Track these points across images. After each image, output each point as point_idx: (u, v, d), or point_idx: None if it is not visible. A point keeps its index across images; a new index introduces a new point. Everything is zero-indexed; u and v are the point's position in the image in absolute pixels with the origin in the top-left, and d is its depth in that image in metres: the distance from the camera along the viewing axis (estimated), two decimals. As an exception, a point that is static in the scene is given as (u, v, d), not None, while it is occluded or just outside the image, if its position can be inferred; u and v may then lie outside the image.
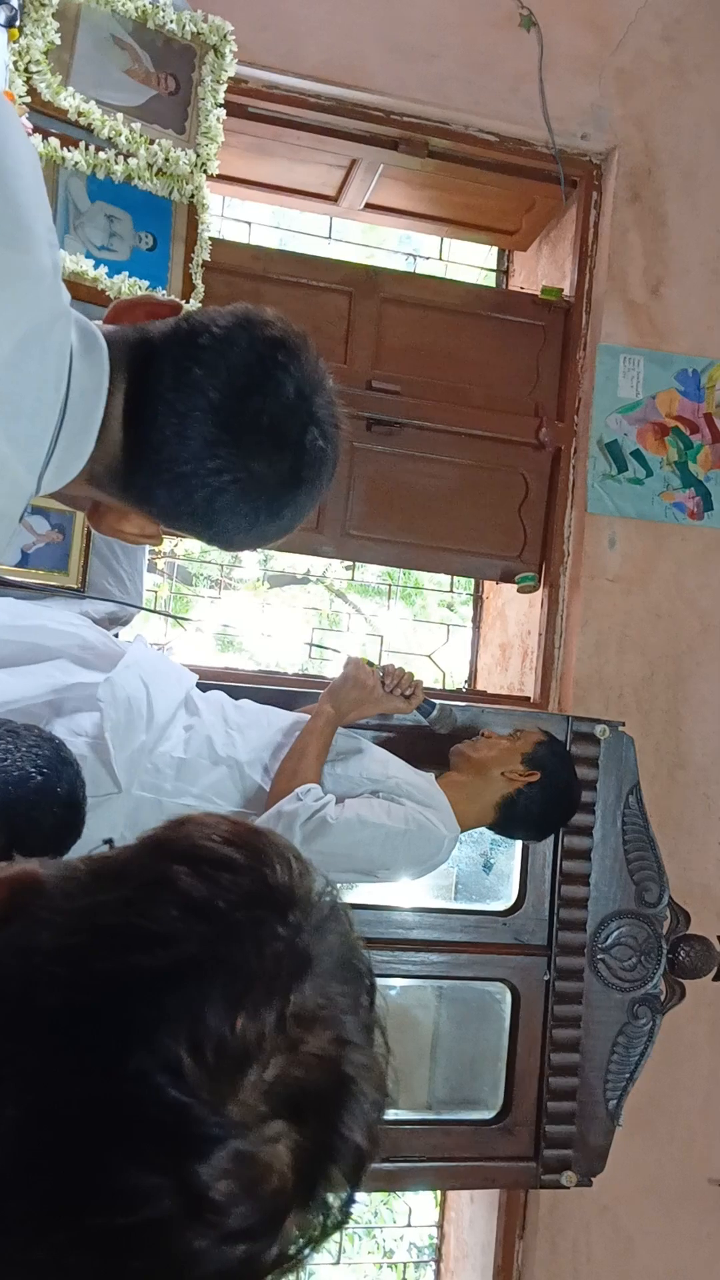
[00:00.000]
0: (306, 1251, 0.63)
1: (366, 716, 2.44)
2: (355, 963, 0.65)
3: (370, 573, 4.78)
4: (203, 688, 2.39)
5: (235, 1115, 0.57)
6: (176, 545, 4.39)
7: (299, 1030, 0.60)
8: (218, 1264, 0.58)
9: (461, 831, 2.35)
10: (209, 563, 5.05)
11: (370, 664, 2.50)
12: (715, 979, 3.00)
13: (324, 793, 2.20)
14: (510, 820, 2.42)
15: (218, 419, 0.95)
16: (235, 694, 2.45)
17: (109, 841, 0.70)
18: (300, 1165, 0.59)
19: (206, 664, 3.83)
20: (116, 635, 2.51)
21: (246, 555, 4.95)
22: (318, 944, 0.63)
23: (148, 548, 2.93)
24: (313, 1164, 0.60)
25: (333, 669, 4.23)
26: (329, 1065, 0.61)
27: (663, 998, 2.91)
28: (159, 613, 3.93)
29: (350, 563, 4.70)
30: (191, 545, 4.45)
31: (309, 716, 2.38)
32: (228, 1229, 0.57)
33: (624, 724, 2.95)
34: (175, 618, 4.07)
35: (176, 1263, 0.57)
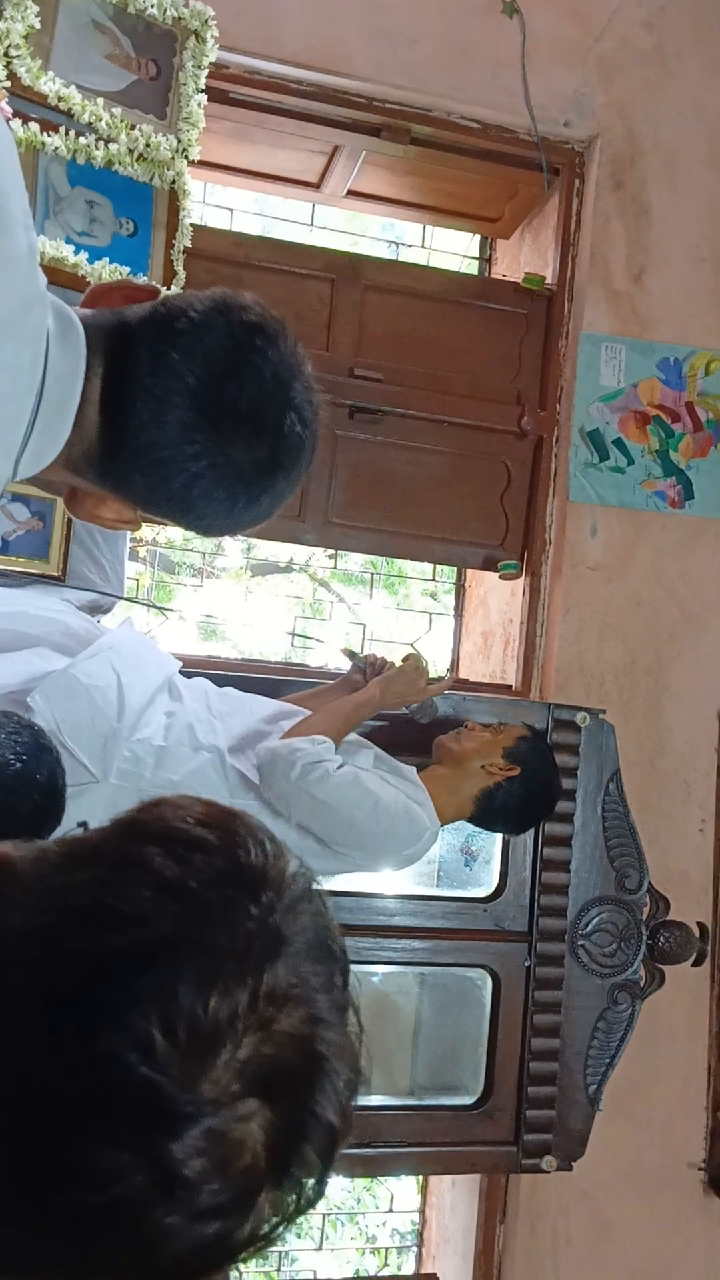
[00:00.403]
0: (280, 1229, 0.64)
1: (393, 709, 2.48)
2: (329, 943, 0.66)
3: (353, 561, 4.78)
4: (186, 676, 2.38)
5: (208, 1094, 0.57)
6: (159, 533, 4.38)
7: (271, 1009, 0.60)
8: (190, 1241, 0.58)
9: (441, 825, 2.36)
10: (191, 551, 5.04)
11: (353, 653, 2.50)
12: (694, 965, 3.02)
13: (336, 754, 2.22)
14: (489, 813, 2.42)
15: (195, 404, 0.95)
16: (218, 682, 2.45)
17: (83, 824, 0.70)
18: (272, 1143, 0.60)
19: (189, 652, 3.82)
20: (99, 622, 2.50)
21: (229, 544, 4.95)
22: (291, 924, 0.63)
23: (129, 535, 2.93)
24: (285, 1142, 0.61)
25: (316, 657, 4.23)
26: (301, 1044, 0.61)
27: (642, 983, 2.93)
28: (140, 602, 3.92)
29: (333, 551, 4.70)
30: (174, 533, 4.44)
31: (292, 706, 2.38)
32: (200, 1206, 0.57)
33: (605, 711, 2.96)
34: (157, 607, 4.07)
35: (148, 1240, 0.58)
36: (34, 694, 2.08)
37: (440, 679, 2.48)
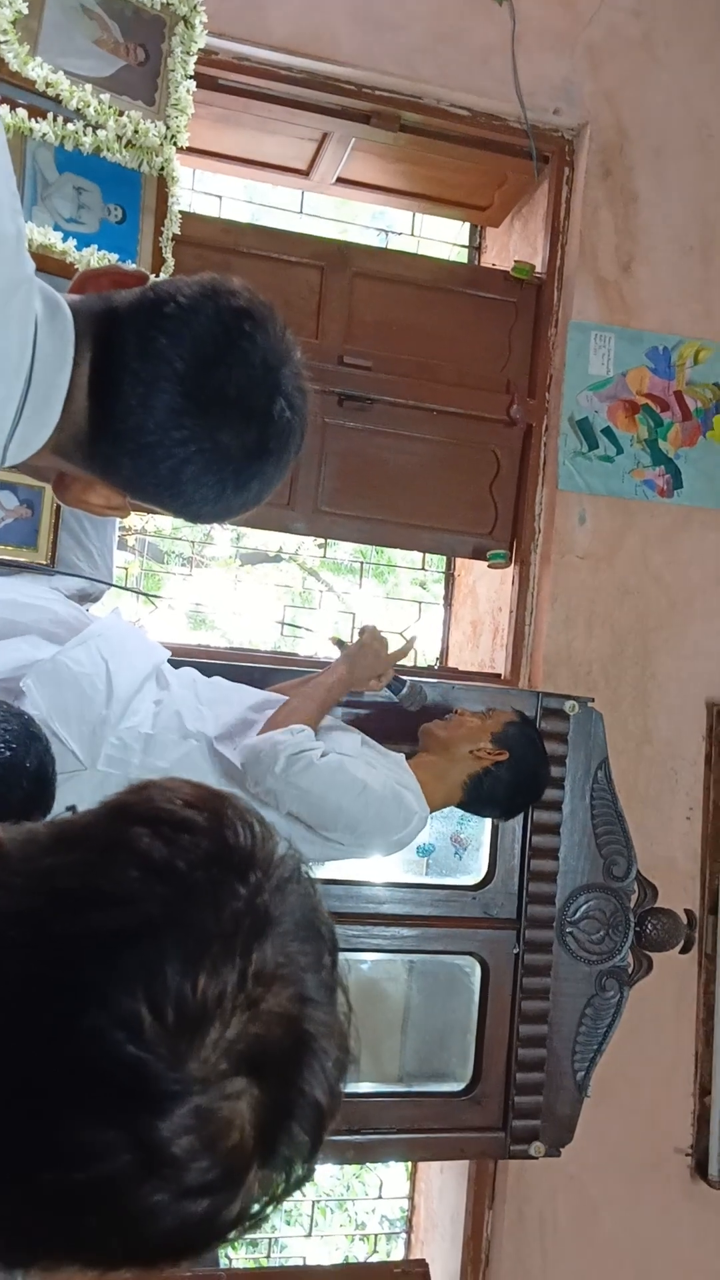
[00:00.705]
0: (269, 1208, 0.64)
1: (368, 688, 2.46)
2: (316, 923, 0.66)
3: (343, 550, 4.78)
4: (175, 665, 2.38)
5: (195, 1072, 0.57)
6: (148, 522, 4.37)
7: (259, 989, 0.60)
8: (178, 1219, 0.58)
9: (431, 811, 2.36)
10: (180, 540, 5.03)
11: (340, 641, 2.50)
12: (682, 951, 3.03)
13: (316, 740, 2.22)
14: (477, 799, 2.42)
15: (183, 389, 0.95)
16: (207, 672, 2.45)
17: (71, 808, 0.70)
18: (261, 1122, 0.60)
19: (179, 641, 3.82)
20: (88, 610, 2.50)
21: (218, 532, 4.94)
22: (278, 904, 0.64)
23: (118, 523, 2.92)
24: (273, 1121, 0.61)
25: (306, 646, 4.24)
26: (289, 1023, 0.62)
27: (630, 970, 2.94)
28: (129, 589, 3.92)
29: (323, 540, 4.69)
30: (163, 522, 4.44)
31: (280, 696, 2.38)
32: (187, 1184, 0.58)
33: (593, 700, 2.97)
34: (145, 595, 4.06)
35: (135, 1218, 0.58)
36: (25, 678, 2.08)
37: (401, 648, 2.45)
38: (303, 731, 2.20)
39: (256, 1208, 0.63)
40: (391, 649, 2.42)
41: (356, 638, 2.45)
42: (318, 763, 2.16)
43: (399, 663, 2.47)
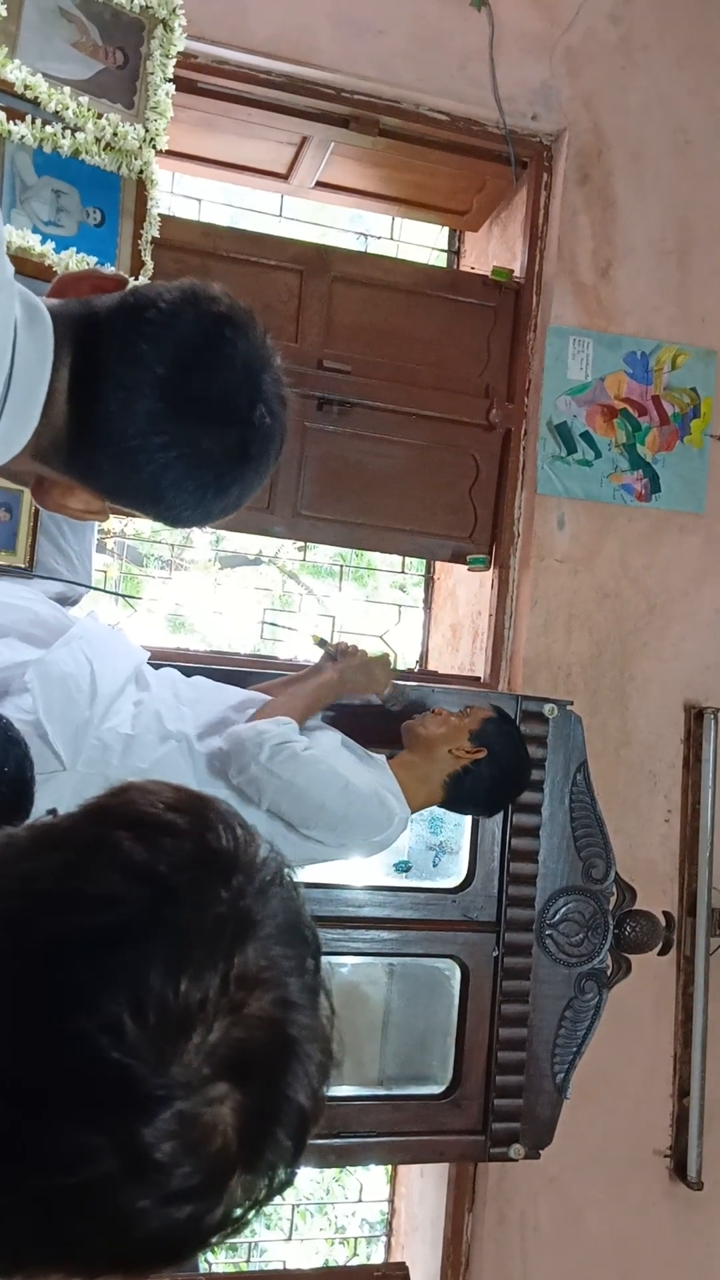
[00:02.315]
0: (252, 1213, 0.64)
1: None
2: (300, 926, 0.66)
3: (322, 554, 4.78)
4: (155, 667, 2.38)
5: (179, 1077, 0.57)
6: (126, 525, 4.36)
7: (242, 992, 0.60)
8: (162, 1224, 0.58)
9: (412, 812, 2.37)
10: (160, 543, 5.02)
11: (322, 641, 2.50)
12: (660, 953, 3.05)
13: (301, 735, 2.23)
14: (458, 796, 2.43)
15: (164, 394, 0.95)
16: (188, 674, 2.44)
17: (52, 811, 0.70)
18: (244, 1126, 0.60)
19: (158, 645, 3.81)
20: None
21: (198, 536, 4.93)
22: (261, 907, 0.63)
23: (96, 526, 2.91)
24: (257, 1125, 0.61)
25: (286, 649, 4.23)
26: (273, 1027, 0.62)
27: (609, 972, 2.95)
28: (108, 592, 3.91)
29: (302, 544, 4.69)
30: (142, 525, 4.43)
31: (262, 695, 2.38)
32: (171, 1189, 0.58)
33: (572, 703, 2.98)
34: (124, 596, 4.05)
35: (119, 1222, 0.58)
36: (29, 675, 2.08)
37: (329, 650, 2.45)
38: (288, 724, 2.21)
39: (239, 1212, 0.63)
40: (376, 663, 2.44)
41: (369, 653, 2.46)
42: (301, 755, 2.16)
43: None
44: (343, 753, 2.36)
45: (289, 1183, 0.65)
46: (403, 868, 2.92)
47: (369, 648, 2.49)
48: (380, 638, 2.53)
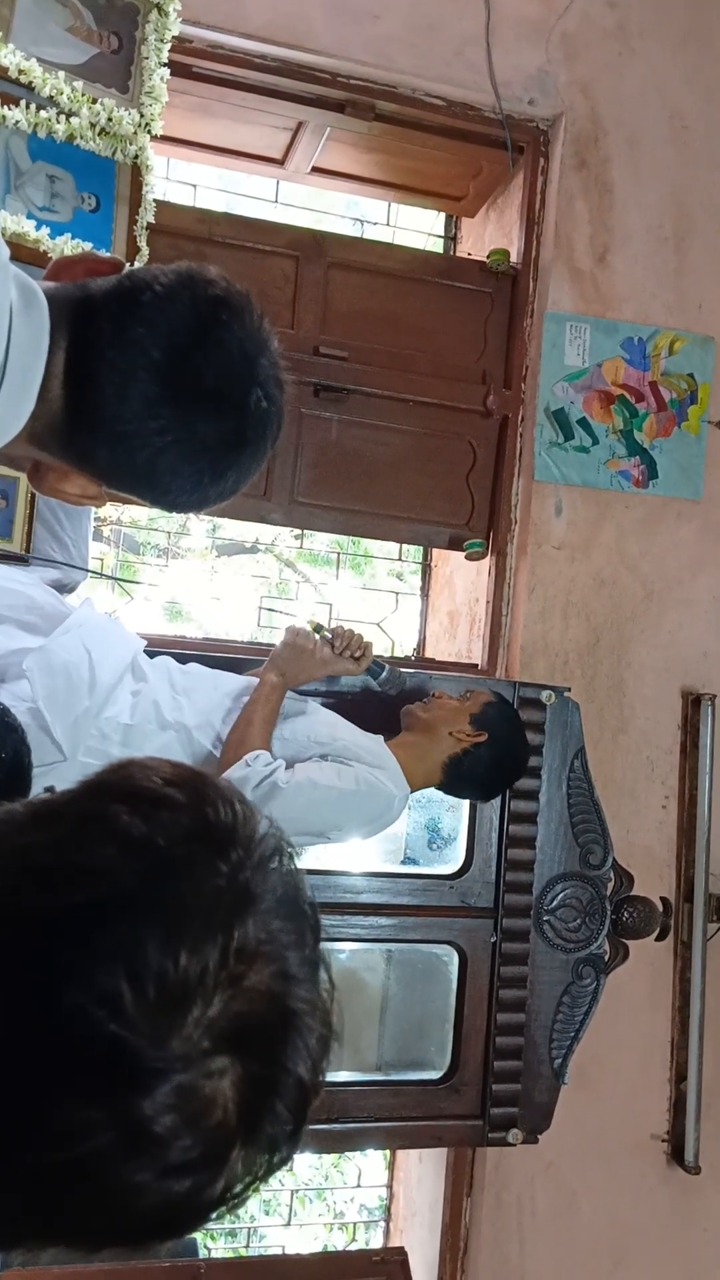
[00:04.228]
0: (252, 1187, 0.64)
1: (315, 679, 2.45)
2: (299, 901, 0.66)
3: (319, 541, 4.77)
4: (151, 655, 2.37)
5: (177, 1050, 0.57)
6: (123, 513, 4.36)
7: (241, 966, 0.60)
8: (161, 1197, 0.58)
9: (411, 791, 2.37)
10: (157, 531, 5.01)
11: (319, 627, 2.49)
12: (658, 939, 3.05)
13: (273, 758, 2.21)
14: (456, 780, 2.44)
15: (159, 378, 0.95)
16: (184, 661, 2.44)
17: (50, 788, 0.70)
18: (244, 1099, 0.60)
19: (155, 632, 3.81)
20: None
21: (194, 523, 4.93)
22: (260, 881, 0.63)
23: (93, 513, 2.91)
24: (256, 1098, 0.61)
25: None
26: (272, 1000, 0.62)
27: (606, 958, 2.96)
28: (105, 576, 3.90)
29: (299, 531, 4.69)
30: (139, 513, 4.42)
31: (256, 681, 2.38)
32: (170, 1162, 0.58)
33: (569, 689, 2.98)
34: (121, 581, 4.05)
35: (118, 1196, 0.58)
36: (27, 662, 2.07)
37: (325, 635, 2.38)
38: (258, 758, 2.17)
39: (239, 1187, 0.63)
40: (315, 643, 2.38)
41: (347, 633, 2.40)
42: (284, 786, 2.15)
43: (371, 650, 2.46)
44: (336, 734, 2.34)
45: (289, 1158, 0.65)
46: (410, 861, 2.95)
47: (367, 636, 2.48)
48: (310, 622, 2.45)
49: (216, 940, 0.59)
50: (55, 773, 2.04)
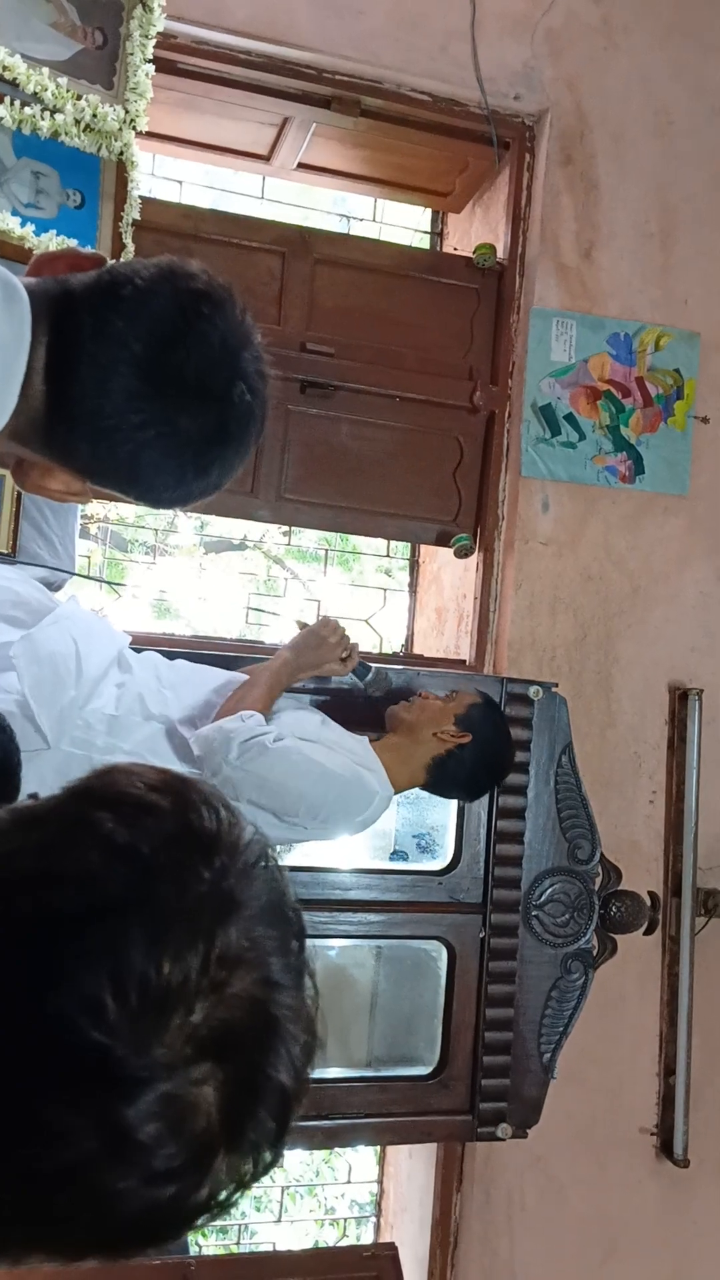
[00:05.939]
0: (237, 1194, 0.64)
1: (311, 675, 2.46)
2: (283, 907, 0.66)
3: (307, 537, 4.77)
4: (138, 652, 2.37)
5: (160, 1057, 0.57)
6: (110, 510, 4.35)
7: (224, 972, 0.60)
8: (144, 1205, 0.58)
9: (395, 793, 2.37)
10: (144, 528, 5.01)
11: (305, 624, 2.50)
12: (646, 933, 3.06)
13: (268, 725, 2.21)
14: (441, 780, 2.43)
15: (141, 372, 0.94)
16: (171, 658, 2.44)
17: (34, 795, 0.70)
18: (227, 1107, 0.60)
19: (143, 630, 3.80)
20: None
21: (182, 520, 4.92)
22: (244, 888, 0.63)
23: (79, 510, 2.90)
24: (239, 1105, 0.61)
25: (271, 634, 4.23)
26: (255, 1007, 0.61)
27: (595, 952, 2.96)
28: (91, 578, 3.90)
29: (287, 528, 4.68)
30: (126, 510, 4.42)
31: (243, 676, 2.38)
32: (153, 1170, 0.58)
33: (556, 685, 2.98)
34: (108, 583, 4.04)
35: (102, 1203, 0.58)
36: (14, 649, 2.07)
37: (350, 654, 2.42)
38: (253, 717, 2.19)
39: (224, 1193, 0.63)
40: (342, 643, 2.41)
41: (333, 624, 2.44)
42: (272, 747, 2.15)
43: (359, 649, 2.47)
44: (324, 732, 2.35)
45: (274, 1164, 0.65)
46: (399, 856, 2.95)
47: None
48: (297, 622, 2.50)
49: (199, 947, 0.59)
50: (38, 760, 2.04)
